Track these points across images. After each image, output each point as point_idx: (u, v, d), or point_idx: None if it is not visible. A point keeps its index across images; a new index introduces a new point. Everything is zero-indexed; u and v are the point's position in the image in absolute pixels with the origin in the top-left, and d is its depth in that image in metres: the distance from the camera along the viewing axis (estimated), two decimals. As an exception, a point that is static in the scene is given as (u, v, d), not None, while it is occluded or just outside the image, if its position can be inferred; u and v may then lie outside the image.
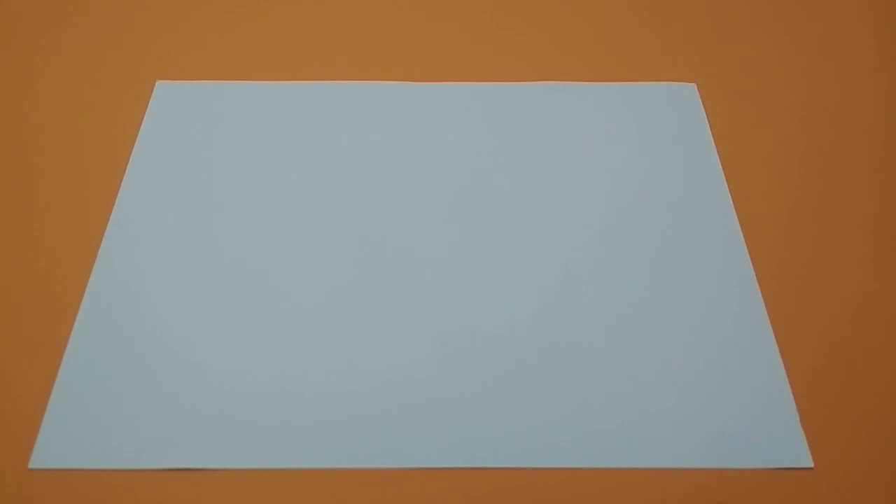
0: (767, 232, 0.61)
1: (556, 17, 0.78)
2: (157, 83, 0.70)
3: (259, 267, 0.58)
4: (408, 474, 0.50)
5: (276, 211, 0.62)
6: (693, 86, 0.71)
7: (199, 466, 0.50)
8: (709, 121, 0.68)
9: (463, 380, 0.53)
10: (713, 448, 0.51)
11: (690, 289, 0.58)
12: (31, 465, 0.49)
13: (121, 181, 0.63)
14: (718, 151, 0.66)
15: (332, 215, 0.62)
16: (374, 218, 0.62)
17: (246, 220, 0.61)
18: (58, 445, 0.50)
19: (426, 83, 0.71)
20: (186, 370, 0.53)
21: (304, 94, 0.70)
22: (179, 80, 0.71)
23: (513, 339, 0.55)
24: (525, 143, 0.67)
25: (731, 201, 0.63)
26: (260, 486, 0.49)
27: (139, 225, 0.61)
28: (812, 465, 0.50)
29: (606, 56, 0.74)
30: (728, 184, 0.64)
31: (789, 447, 0.51)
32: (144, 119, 0.68)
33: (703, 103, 0.70)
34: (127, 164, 0.64)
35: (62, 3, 0.78)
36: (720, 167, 0.65)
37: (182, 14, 0.77)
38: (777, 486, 0.49)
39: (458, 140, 0.67)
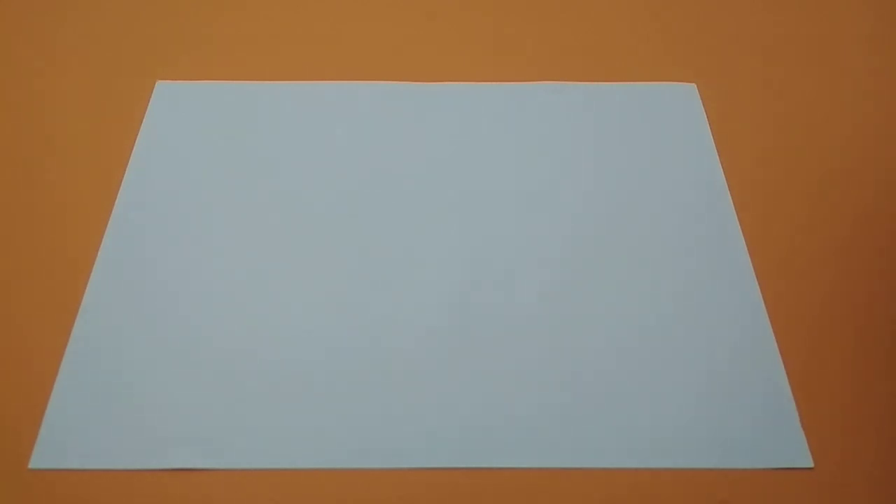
0: (767, 232, 0.61)
1: (556, 17, 0.78)
2: (157, 83, 0.71)
3: (259, 268, 0.59)
4: (408, 474, 0.50)
5: (275, 211, 0.62)
6: (693, 86, 0.71)
7: (199, 466, 0.50)
8: (709, 121, 0.68)
9: (463, 379, 0.53)
10: (714, 448, 0.51)
11: (690, 289, 0.58)
12: (31, 465, 0.49)
13: (121, 181, 0.63)
14: (718, 151, 0.66)
15: (333, 216, 0.62)
16: (374, 218, 0.61)
17: (246, 220, 0.61)
18: (58, 445, 0.50)
19: (426, 83, 0.71)
20: (186, 370, 0.53)
21: (304, 94, 0.70)
22: (179, 80, 0.71)
23: (512, 339, 0.55)
24: (525, 143, 0.67)
25: (731, 201, 0.63)
26: (260, 486, 0.49)
27: (139, 225, 0.61)
28: (812, 465, 0.50)
29: (606, 56, 0.74)
30: (728, 184, 0.64)
31: (789, 447, 0.51)
32: (144, 119, 0.68)
33: (703, 103, 0.70)
34: (127, 164, 0.64)
35: (62, 3, 0.78)
36: (720, 167, 0.65)
37: (182, 14, 0.77)
38: (777, 486, 0.49)
39: (458, 140, 0.67)
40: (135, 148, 0.66)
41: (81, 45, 0.74)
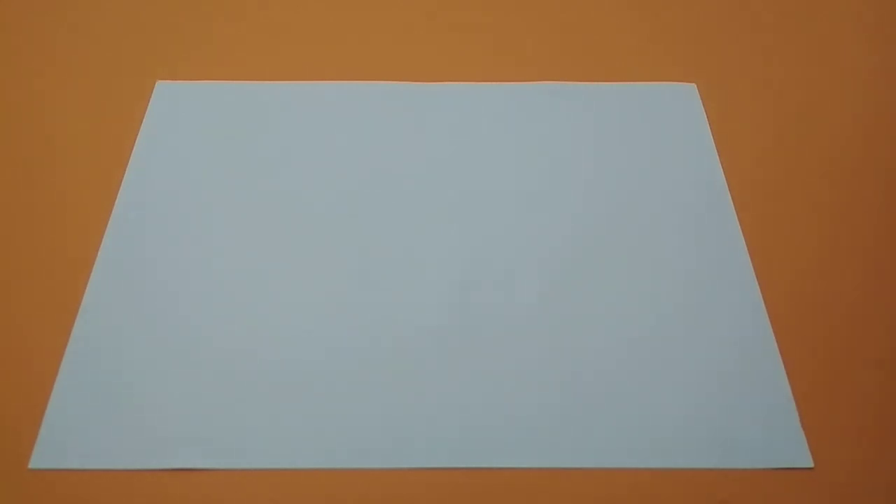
0: (767, 232, 0.61)
1: (555, 17, 0.78)
2: (157, 83, 0.71)
3: (259, 268, 0.58)
4: (408, 474, 0.50)
5: (275, 211, 0.62)
6: (693, 86, 0.71)
7: (199, 466, 0.50)
8: (709, 121, 0.68)
9: (463, 379, 0.53)
10: (714, 448, 0.51)
11: (691, 289, 0.58)
12: (31, 465, 0.49)
13: (121, 181, 0.63)
14: (718, 151, 0.66)
15: (333, 216, 0.62)
16: (373, 218, 0.61)
17: (246, 220, 0.61)
18: (58, 445, 0.50)
19: (426, 83, 0.71)
20: (186, 370, 0.53)
21: (304, 94, 0.70)
22: (179, 80, 0.71)
23: (512, 339, 0.55)
24: (525, 143, 0.67)
25: (731, 201, 0.63)
26: (260, 486, 0.49)
27: (139, 225, 0.61)
28: (812, 465, 0.50)
29: (606, 56, 0.74)
30: (728, 184, 0.64)
31: (789, 447, 0.51)
32: (144, 119, 0.68)
33: (703, 103, 0.70)
34: (127, 164, 0.64)
35: (62, 3, 0.78)
36: (720, 167, 0.65)
37: (182, 14, 0.77)
38: (777, 486, 0.49)
39: (458, 140, 0.67)
40: (135, 148, 0.66)
41: (81, 45, 0.74)
